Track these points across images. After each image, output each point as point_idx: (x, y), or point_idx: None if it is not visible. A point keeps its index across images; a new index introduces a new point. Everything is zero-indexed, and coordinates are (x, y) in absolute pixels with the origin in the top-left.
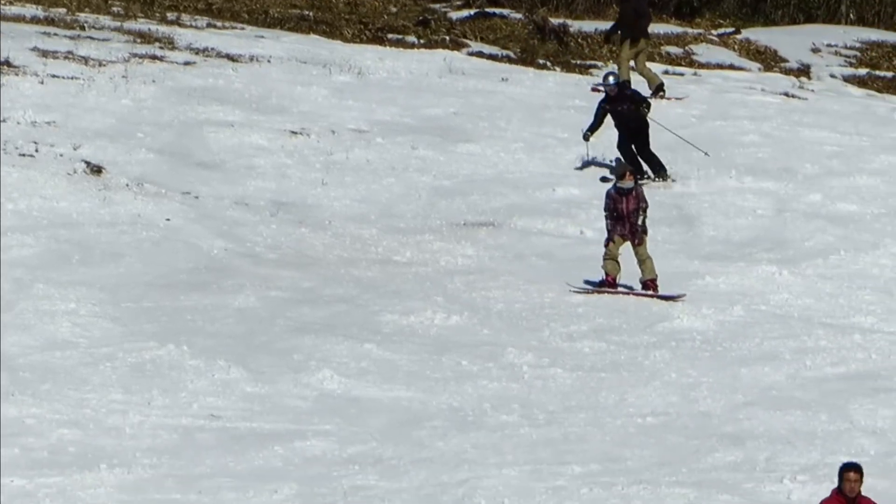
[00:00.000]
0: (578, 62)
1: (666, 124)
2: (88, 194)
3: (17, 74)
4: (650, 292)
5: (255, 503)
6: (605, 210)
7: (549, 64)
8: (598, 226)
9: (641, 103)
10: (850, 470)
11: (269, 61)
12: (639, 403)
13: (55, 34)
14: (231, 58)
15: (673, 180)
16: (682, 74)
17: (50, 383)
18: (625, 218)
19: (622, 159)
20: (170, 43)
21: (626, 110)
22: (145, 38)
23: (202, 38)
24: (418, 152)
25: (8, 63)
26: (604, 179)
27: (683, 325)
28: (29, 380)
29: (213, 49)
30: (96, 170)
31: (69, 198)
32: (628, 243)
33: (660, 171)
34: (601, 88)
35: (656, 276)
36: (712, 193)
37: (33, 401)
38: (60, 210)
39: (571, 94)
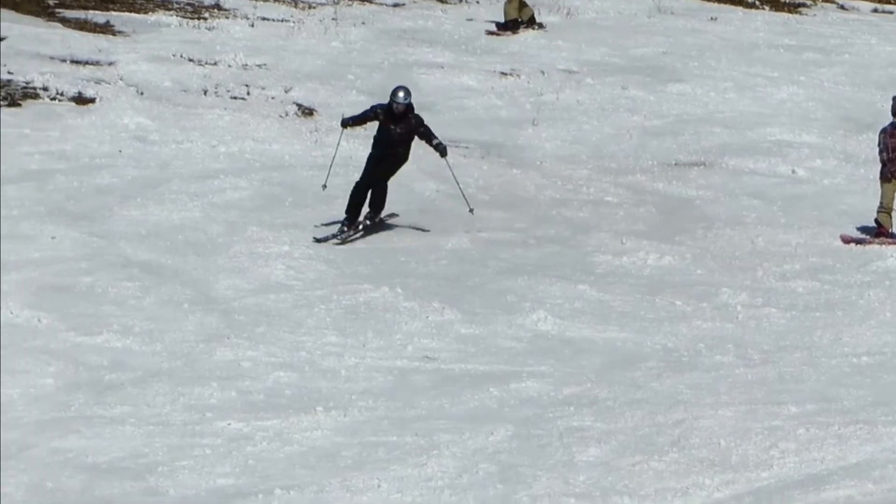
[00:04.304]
0: (787, 1)
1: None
2: (300, 136)
3: (227, 18)
4: None
5: (470, 445)
6: (879, 146)
7: (757, 3)
8: (809, 165)
9: (427, 138)
10: None
11: (477, 2)
12: (853, 343)
13: None
14: None
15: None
16: (890, 13)
17: (265, 326)
18: None
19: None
20: None
21: (399, 133)
22: None
23: None
24: (628, 92)
25: (218, 6)
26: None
27: None
28: (244, 323)
29: None
30: (308, 112)
31: (281, 140)
32: None
33: (375, 210)
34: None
35: None
36: None
37: (249, 344)
38: (272, 152)
39: (780, 32)
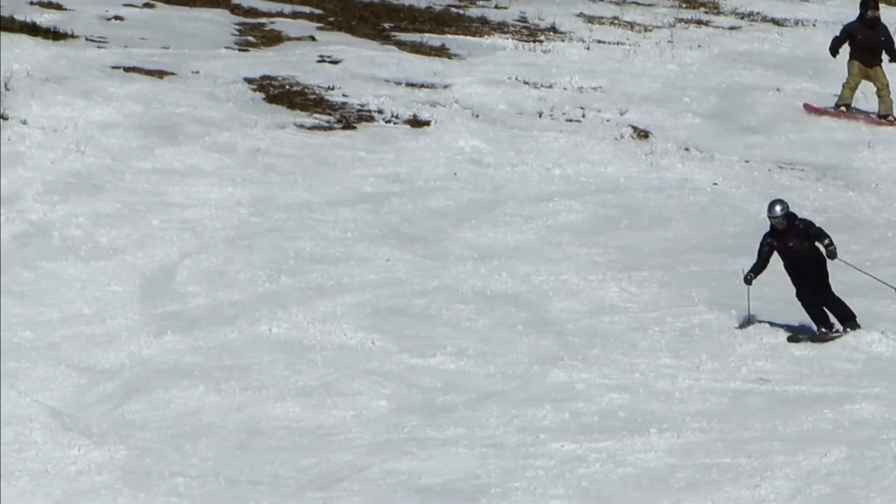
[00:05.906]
0: None
1: None
2: (635, 159)
3: (563, 40)
4: None
5: (804, 466)
6: None
7: None
8: None
9: (819, 238)
10: None
11: (814, 25)
12: None
13: (600, 0)
14: (776, 22)
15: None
16: None
17: (599, 348)
18: None
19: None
20: (715, 8)
21: (800, 244)
22: (690, 2)
23: (747, 2)
24: None
25: (554, 29)
26: None
27: None
28: (578, 345)
29: (758, 13)
30: (643, 134)
31: (616, 163)
32: None
33: (848, 320)
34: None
35: None
36: None
37: (583, 365)
38: (607, 175)
39: None
